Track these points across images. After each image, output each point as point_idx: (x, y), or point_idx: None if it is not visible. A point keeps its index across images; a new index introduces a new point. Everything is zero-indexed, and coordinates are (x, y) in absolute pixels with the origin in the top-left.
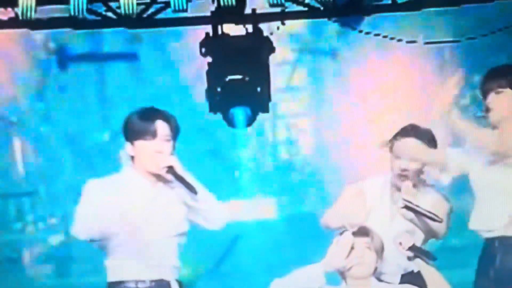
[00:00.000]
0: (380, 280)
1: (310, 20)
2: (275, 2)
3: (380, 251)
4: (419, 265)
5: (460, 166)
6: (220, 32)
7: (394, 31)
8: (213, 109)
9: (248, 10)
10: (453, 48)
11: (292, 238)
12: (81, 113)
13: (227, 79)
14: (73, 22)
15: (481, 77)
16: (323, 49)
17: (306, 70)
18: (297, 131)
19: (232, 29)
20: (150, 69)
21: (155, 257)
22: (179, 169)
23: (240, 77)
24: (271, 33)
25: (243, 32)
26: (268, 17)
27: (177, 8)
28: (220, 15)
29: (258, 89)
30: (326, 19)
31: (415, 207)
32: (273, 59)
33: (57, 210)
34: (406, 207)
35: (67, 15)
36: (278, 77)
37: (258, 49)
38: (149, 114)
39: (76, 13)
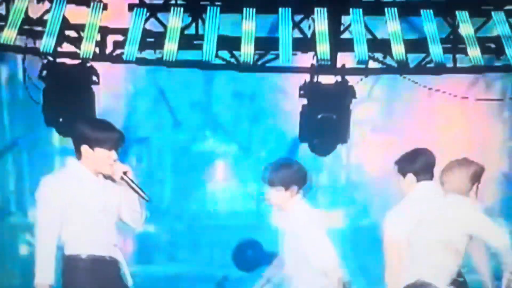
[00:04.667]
0: None
1: None
2: (361, 60)
3: None
4: None
5: None
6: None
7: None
8: (302, 139)
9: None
10: None
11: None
12: None
13: (319, 116)
14: (204, 64)
15: None
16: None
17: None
18: (366, 156)
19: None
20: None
21: (103, 238)
22: (132, 176)
23: (329, 115)
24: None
25: (333, 81)
26: (354, 71)
27: (284, 60)
28: (317, 67)
29: (341, 125)
30: (399, 75)
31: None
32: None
33: None
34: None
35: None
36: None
37: (344, 94)
38: (108, 126)
39: (207, 59)
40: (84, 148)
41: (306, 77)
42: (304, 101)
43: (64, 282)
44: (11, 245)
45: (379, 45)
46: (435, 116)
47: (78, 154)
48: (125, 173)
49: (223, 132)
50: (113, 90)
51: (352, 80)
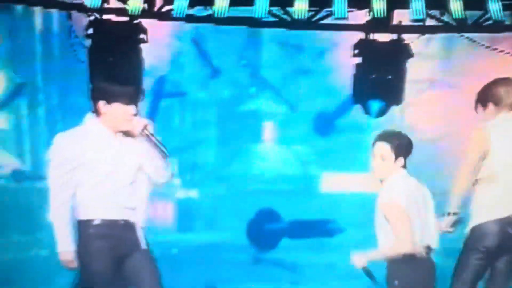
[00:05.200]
0: None
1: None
2: (417, 17)
3: None
4: None
5: None
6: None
7: None
8: (356, 100)
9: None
10: None
11: None
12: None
13: (372, 76)
14: (255, 22)
15: None
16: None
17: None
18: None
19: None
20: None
21: (117, 201)
22: (152, 130)
23: (383, 75)
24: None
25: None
26: (411, 29)
27: (338, 16)
28: (372, 25)
29: (396, 85)
30: (456, 34)
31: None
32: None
33: None
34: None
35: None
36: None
37: (399, 53)
38: (125, 80)
39: (259, 15)
40: (102, 103)
41: (361, 35)
42: (358, 60)
43: (78, 249)
44: (40, 212)
45: (436, 2)
46: (493, 76)
47: (97, 111)
48: (145, 126)
49: (271, 90)
50: (156, 46)
51: (408, 38)
